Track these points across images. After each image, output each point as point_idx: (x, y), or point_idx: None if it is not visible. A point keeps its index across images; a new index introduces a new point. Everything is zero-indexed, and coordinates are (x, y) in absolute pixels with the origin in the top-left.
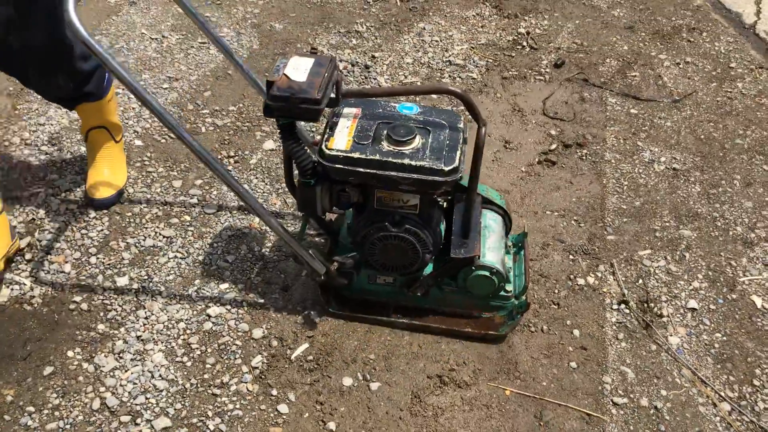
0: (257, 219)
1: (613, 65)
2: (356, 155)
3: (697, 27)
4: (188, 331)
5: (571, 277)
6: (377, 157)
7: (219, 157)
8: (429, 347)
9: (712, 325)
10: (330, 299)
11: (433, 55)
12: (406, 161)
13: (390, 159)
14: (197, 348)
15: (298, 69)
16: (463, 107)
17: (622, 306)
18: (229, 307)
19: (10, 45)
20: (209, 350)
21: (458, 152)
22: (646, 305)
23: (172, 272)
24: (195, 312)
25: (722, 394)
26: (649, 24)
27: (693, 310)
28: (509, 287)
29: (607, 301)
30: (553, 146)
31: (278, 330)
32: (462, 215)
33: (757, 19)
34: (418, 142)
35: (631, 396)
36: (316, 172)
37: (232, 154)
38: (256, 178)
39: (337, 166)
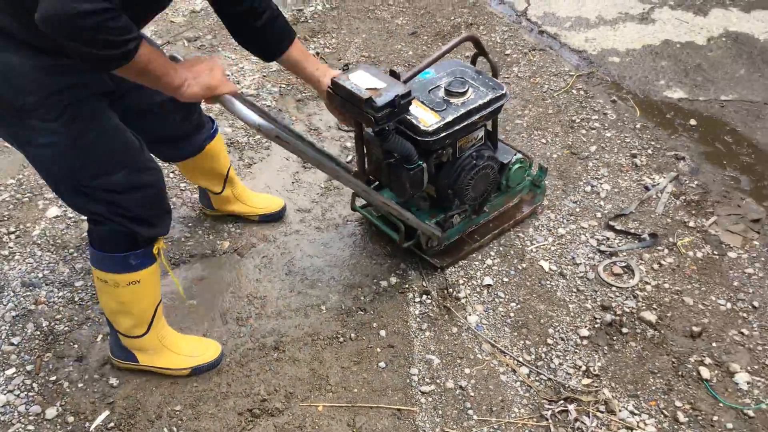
0: (44, 293)
1: (401, 72)
2: (450, 118)
3: (475, 22)
4: None
5: (375, 281)
6: (462, 110)
7: None
8: (238, 383)
9: (507, 296)
10: (438, 260)
11: None
12: (480, 102)
13: (471, 107)
14: None
15: (368, 80)
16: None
17: (425, 297)
18: (17, 392)
19: None
20: None
21: (493, 79)
22: (446, 291)
23: None
24: None
25: (520, 359)
26: (431, 27)
27: (488, 286)
28: None
29: (410, 296)
30: (349, 157)
31: (74, 404)
32: (489, 132)
33: (528, 5)
34: (468, 86)
35: (438, 381)
36: (419, 153)
37: (12, 229)
38: (41, 249)
39: (441, 135)
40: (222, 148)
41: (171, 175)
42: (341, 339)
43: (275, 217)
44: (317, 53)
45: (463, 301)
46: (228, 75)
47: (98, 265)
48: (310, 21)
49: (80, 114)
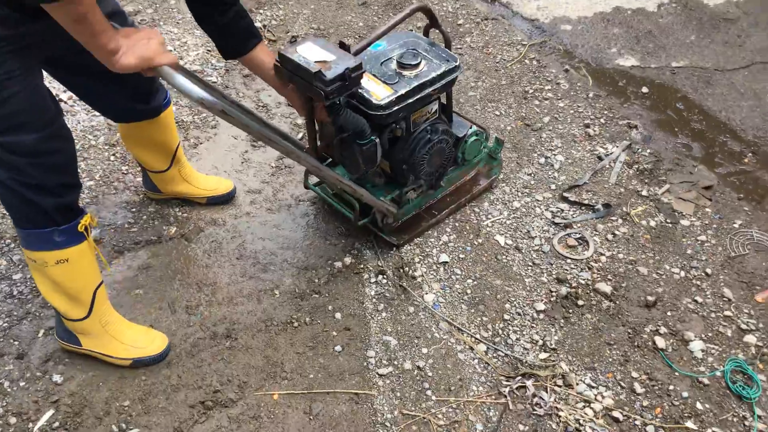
0: None
1: (351, 44)
2: (403, 91)
3: None
4: None
5: (330, 262)
6: (415, 83)
7: None
8: (189, 375)
9: (463, 273)
10: (395, 237)
11: None
12: (433, 74)
13: (424, 80)
14: None
15: (317, 52)
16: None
17: (380, 277)
18: None
19: None
20: None
21: (446, 50)
22: (402, 270)
23: None
24: None
25: (477, 336)
26: None
27: (444, 263)
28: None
29: (365, 277)
30: (300, 135)
31: (16, 404)
32: (443, 105)
33: None
34: (421, 59)
35: (395, 363)
36: (372, 128)
37: None
38: None
39: (394, 109)
40: (173, 121)
41: (112, 158)
42: (296, 324)
43: (224, 200)
44: (264, 26)
45: (419, 279)
46: (170, 49)
47: (24, 244)
48: None
49: (8, 66)
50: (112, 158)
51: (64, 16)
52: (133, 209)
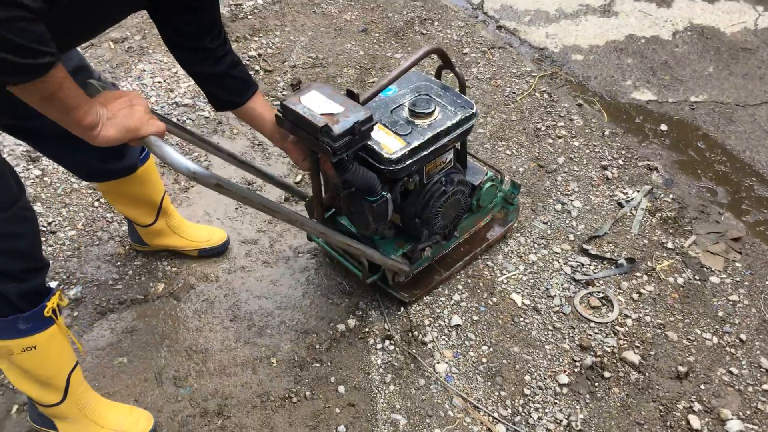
0: None
1: (351, 74)
2: (416, 143)
3: (429, 17)
4: None
5: (332, 324)
6: (430, 133)
7: None
8: None
9: (478, 338)
10: (406, 294)
11: (157, 98)
12: (448, 123)
13: (438, 129)
14: None
15: (323, 102)
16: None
17: (387, 343)
18: None
19: None
20: None
21: (461, 95)
22: (410, 335)
23: None
24: None
25: (495, 415)
26: (382, 23)
27: (457, 326)
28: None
29: (371, 342)
30: (298, 178)
31: None
32: (457, 151)
33: None
34: (435, 105)
35: None
36: (382, 182)
37: None
38: None
39: (407, 163)
40: (155, 171)
41: (96, 204)
42: (294, 399)
43: (217, 252)
44: (259, 54)
45: (429, 346)
46: (159, 81)
47: None
48: (250, 17)
49: None
50: (96, 204)
51: (33, 96)
52: (118, 263)
